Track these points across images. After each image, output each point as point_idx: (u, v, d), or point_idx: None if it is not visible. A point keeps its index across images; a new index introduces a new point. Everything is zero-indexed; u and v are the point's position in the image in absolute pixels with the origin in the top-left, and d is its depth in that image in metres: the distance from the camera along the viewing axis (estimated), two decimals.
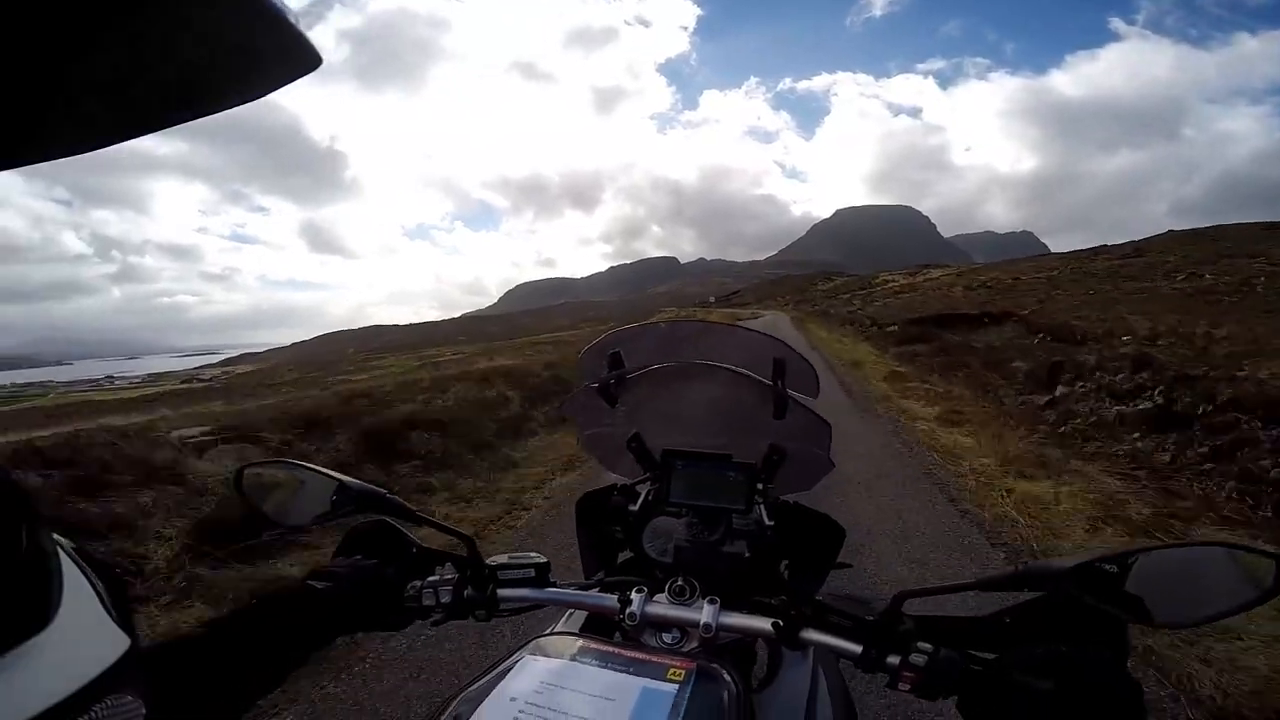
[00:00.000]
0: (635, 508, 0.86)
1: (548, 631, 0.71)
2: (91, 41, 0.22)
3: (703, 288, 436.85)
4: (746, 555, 0.78)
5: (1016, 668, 0.53)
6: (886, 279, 75.72)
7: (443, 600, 0.72)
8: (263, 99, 0.28)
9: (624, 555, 0.89)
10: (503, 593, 0.74)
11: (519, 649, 0.61)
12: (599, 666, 0.58)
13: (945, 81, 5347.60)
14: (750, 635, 0.68)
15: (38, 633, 0.30)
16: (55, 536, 0.34)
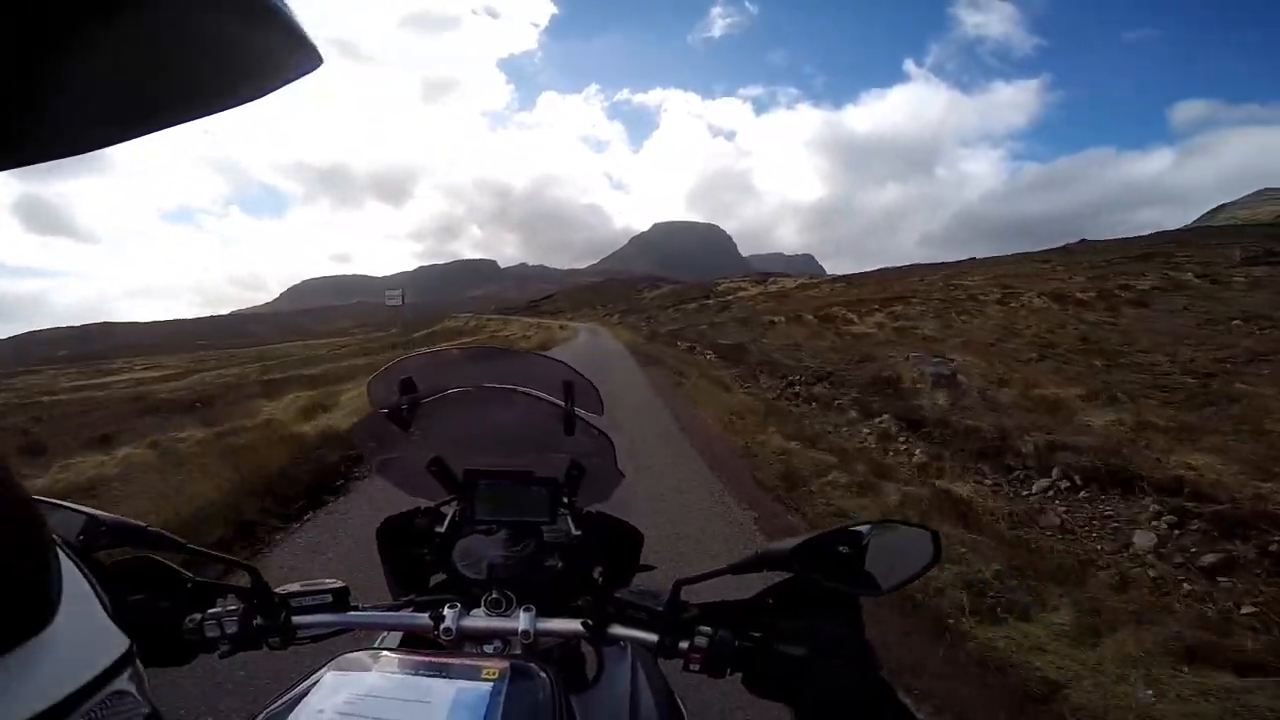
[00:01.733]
0: (442, 528, 0.88)
1: (355, 649, 0.69)
2: (91, 41, 0.21)
3: (521, 293, 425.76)
4: (559, 565, 0.82)
5: (778, 641, 0.62)
6: (734, 286, 66.84)
7: (229, 631, 0.69)
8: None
9: (436, 578, 0.89)
10: (298, 619, 0.72)
11: (322, 666, 0.59)
12: (410, 674, 0.57)
13: (760, 108, 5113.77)
14: (567, 636, 0.72)
15: (38, 633, 0.30)
16: (55, 536, 0.34)
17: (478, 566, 0.80)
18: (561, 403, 0.90)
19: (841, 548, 0.63)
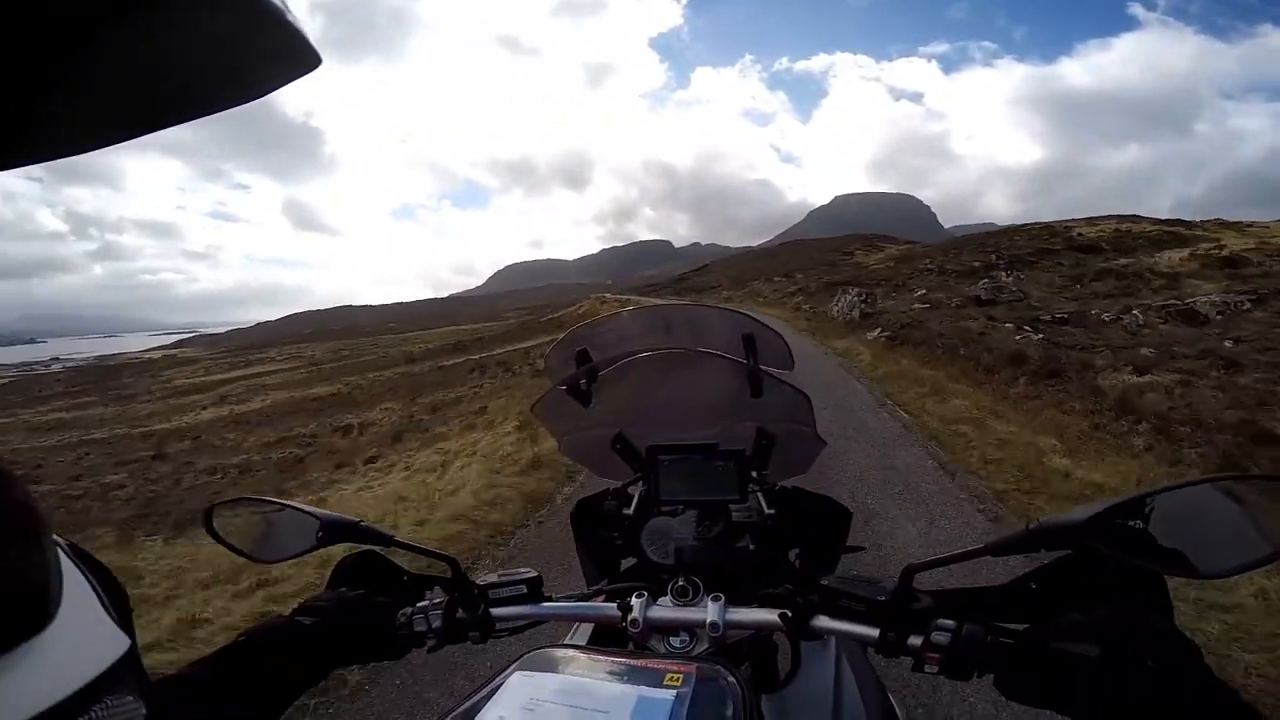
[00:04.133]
0: (630, 511, 0.85)
1: (543, 645, 0.65)
2: (91, 41, 0.21)
3: (694, 269, 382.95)
4: (751, 548, 0.78)
5: (1054, 637, 0.48)
6: (1088, 229, 28.52)
7: (434, 625, 0.69)
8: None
9: (627, 562, 0.86)
10: (496, 612, 0.72)
11: (509, 665, 0.58)
12: (593, 678, 0.55)
13: (949, 66, 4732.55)
14: (761, 630, 0.67)
15: (38, 633, 0.30)
16: (55, 536, 0.34)
17: (665, 550, 0.77)
18: (744, 360, 0.83)
19: (1134, 522, 0.48)
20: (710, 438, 0.83)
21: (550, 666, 0.57)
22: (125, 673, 0.35)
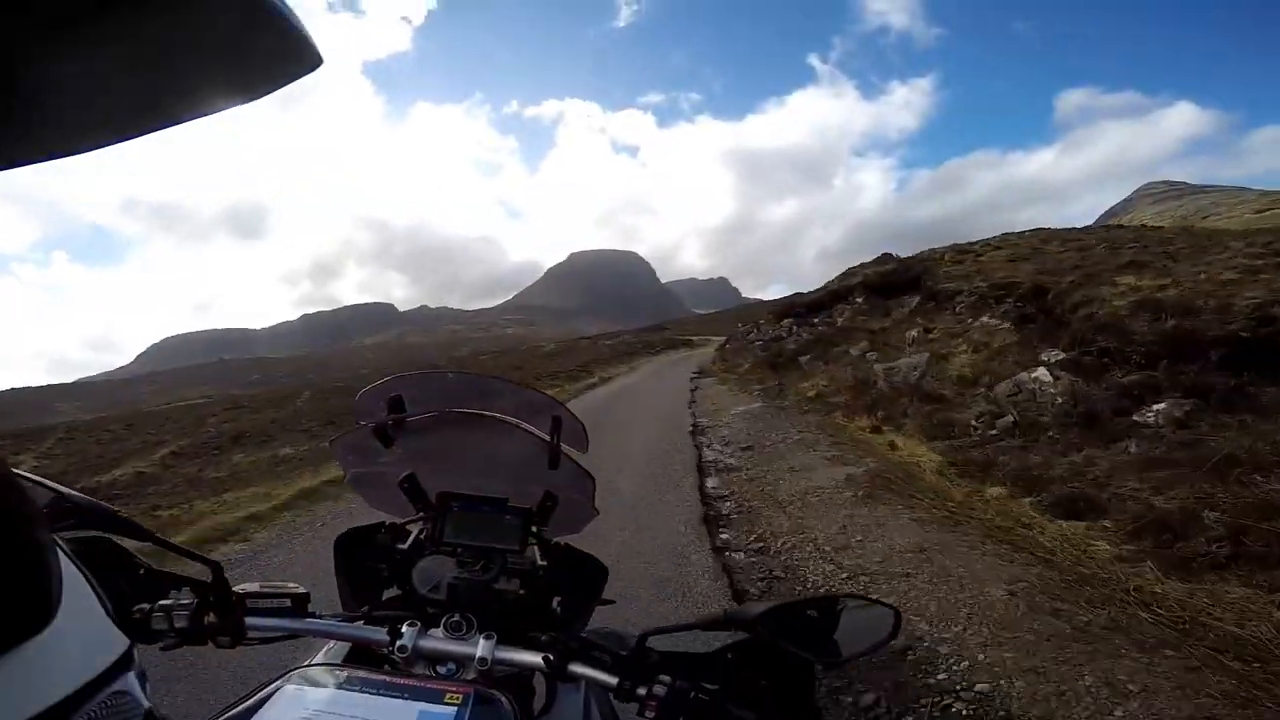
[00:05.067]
0: (405, 546, 0.88)
1: (310, 662, 0.69)
2: (91, 41, 0.22)
3: (428, 338, 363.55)
4: (521, 593, 0.82)
5: (731, 698, 0.64)
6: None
7: (177, 624, 0.67)
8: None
9: (389, 593, 0.89)
10: (252, 621, 0.71)
11: (278, 678, 0.58)
12: (371, 694, 0.56)
13: (663, 119, 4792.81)
14: (525, 669, 0.71)
15: (38, 632, 0.31)
16: (55, 536, 0.35)
17: (436, 587, 0.81)
18: (548, 437, 0.91)
19: (810, 613, 0.68)
20: (500, 493, 0.90)
21: (323, 681, 0.57)
22: (124, 671, 0.36)
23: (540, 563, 0.89)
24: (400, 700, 0.55)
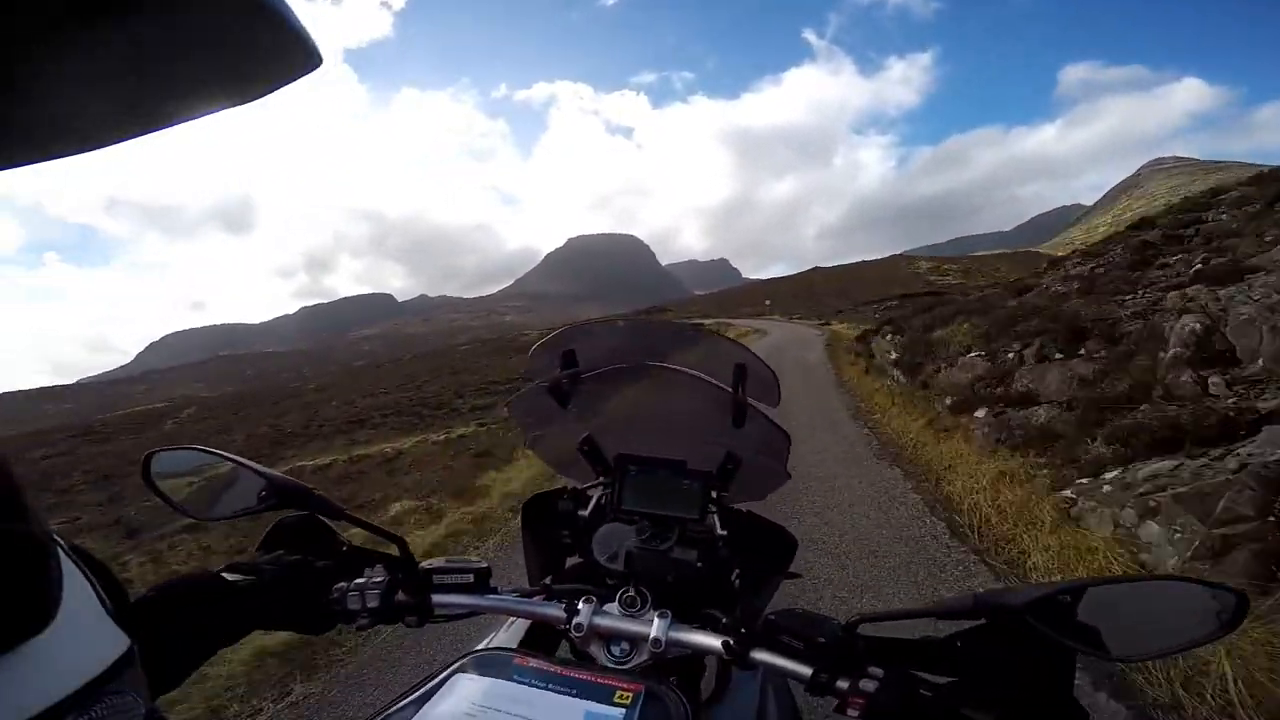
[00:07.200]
0: (586, 513, 0.85)
1: (483, 646, 0.69)
2: (92, 41, 0.22)
3: (427, 327, 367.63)
4: (698, 565, 0.76)
5: (965, 702, 0.52)
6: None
7: (370, 604, 0.69)
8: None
9: (572, 561, 0.87)
10: (437, 598, 0.72)
11: (453, 664, 0.59)
12: (539, 687, 0.55)
13: (656, 99, 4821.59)
14: (701, 652, 0.67)
15: (38, 632, 0.31)
16: (55, 536, 0.35)
17: (615, 556, 0.79)
18: (732, 389, 0.83)
19: (1064, 598, 0.52)
20: (679, 455, 0.85)
21: (494, 671, 0.57)
22: (125, 671, 0.36)
23: (721, 532, 0.82)
24: (568, 697, 0.55)
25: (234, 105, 0.28)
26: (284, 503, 0.70)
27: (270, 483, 0.69)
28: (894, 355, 8.76)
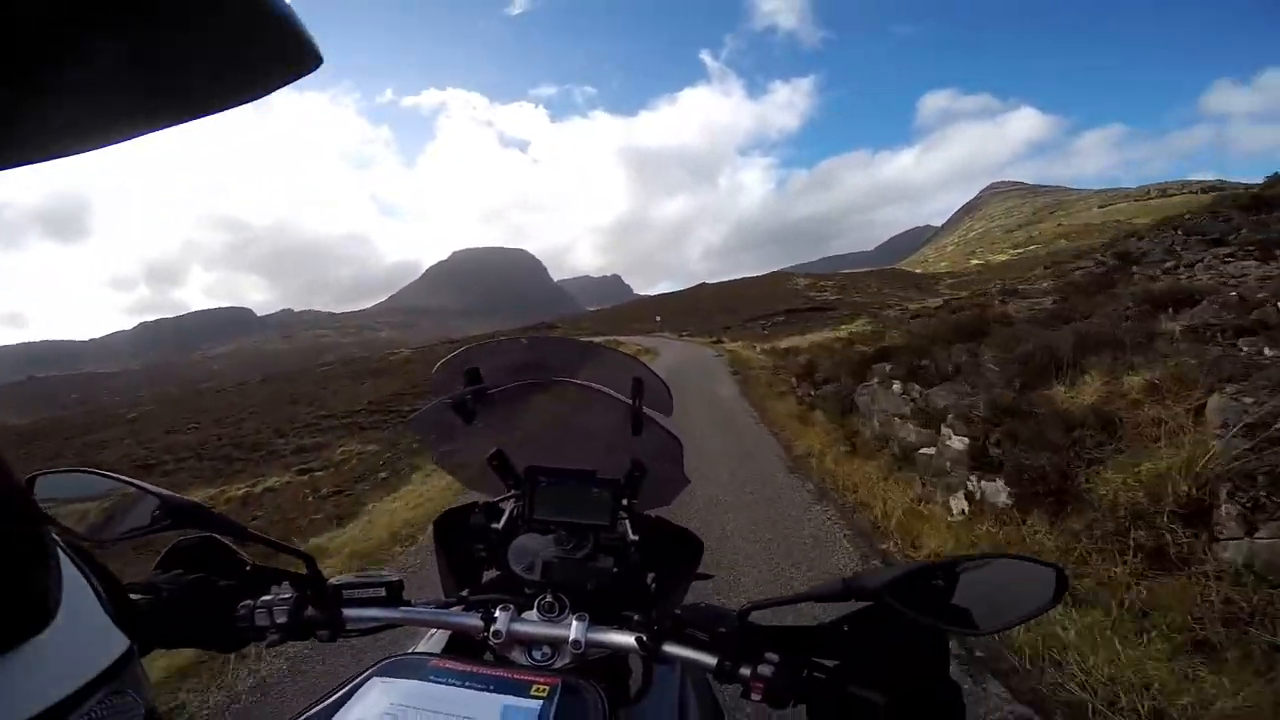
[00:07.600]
0: (499, 525, 0.86)
1: (404, 652, 0.69)
2: (92, 42, 0.22)
3: (291, 344, 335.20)
4: (614, 570, 0.79)
5: (853, 680, 0.57)
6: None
7: (279, 620, 0.69)
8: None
9: (488, 575, 0.88)
10: (349, 612, 0.72)
11: (367, 669, 0.59)
12: (456, 686, 0.55)
13: (556, 113, 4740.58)
14: (619, 650, 0.69)
15: (38, 632, 0.31)
16: (55, 536, 0.35)
17: (530, 566, 0.80)
18: (629, 400, 0.86)
19: (937, 581, 0.57)
20: (587, 465, 0.86)
21: (410, 673, 0.57)
22: (124, 671, 0.36)
23: (632, 537, 0.85)
24: (486, 693, 0.55)
25: (236, 105, 0.28)
26: (179, 522, 0.68)
27: (165, 502, 0.68)
28: (955, 442, 4.19)
